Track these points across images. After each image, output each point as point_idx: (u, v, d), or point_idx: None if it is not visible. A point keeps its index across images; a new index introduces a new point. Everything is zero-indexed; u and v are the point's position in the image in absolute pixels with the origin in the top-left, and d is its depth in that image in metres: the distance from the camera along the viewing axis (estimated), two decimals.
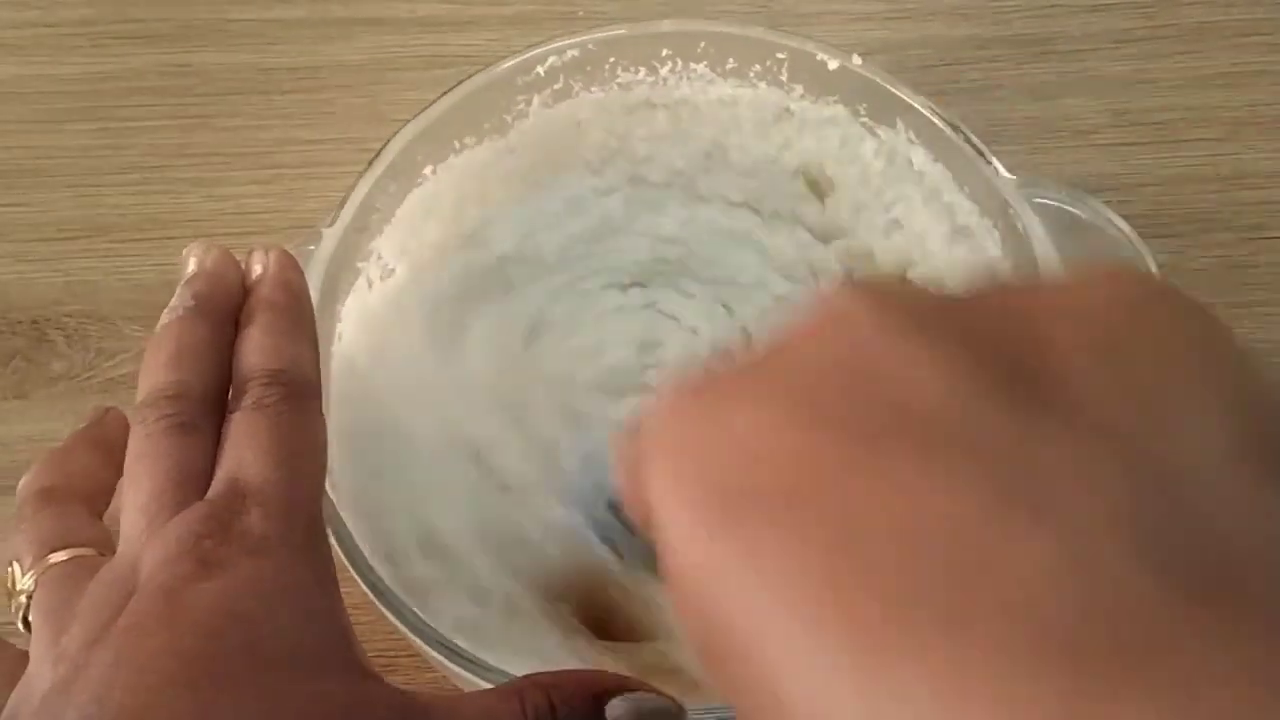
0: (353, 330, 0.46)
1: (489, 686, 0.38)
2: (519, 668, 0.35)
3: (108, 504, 0.32)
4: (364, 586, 0.40)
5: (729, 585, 0.19)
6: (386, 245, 0.47)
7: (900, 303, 0.20)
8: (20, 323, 0.54)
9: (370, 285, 0.47)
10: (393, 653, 0.47)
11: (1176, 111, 0.58)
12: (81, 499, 0.31)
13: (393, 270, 0.47)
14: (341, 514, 0.40)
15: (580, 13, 0.59)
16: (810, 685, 0.18)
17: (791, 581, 0.19)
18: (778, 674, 0.19)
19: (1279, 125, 0.57)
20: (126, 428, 0.31)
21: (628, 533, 0.45)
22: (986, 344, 0.19)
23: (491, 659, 0.38)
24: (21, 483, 0.32)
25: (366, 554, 0.40)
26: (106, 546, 0.30)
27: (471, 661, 0.38)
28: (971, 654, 0.17)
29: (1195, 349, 0.20)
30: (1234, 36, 0.59)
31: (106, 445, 0.33)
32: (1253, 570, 0.17)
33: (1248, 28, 0.60)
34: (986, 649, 0.17)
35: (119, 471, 0.30)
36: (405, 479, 0.45)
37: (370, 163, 0.46)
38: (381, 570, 0.39)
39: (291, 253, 0.42)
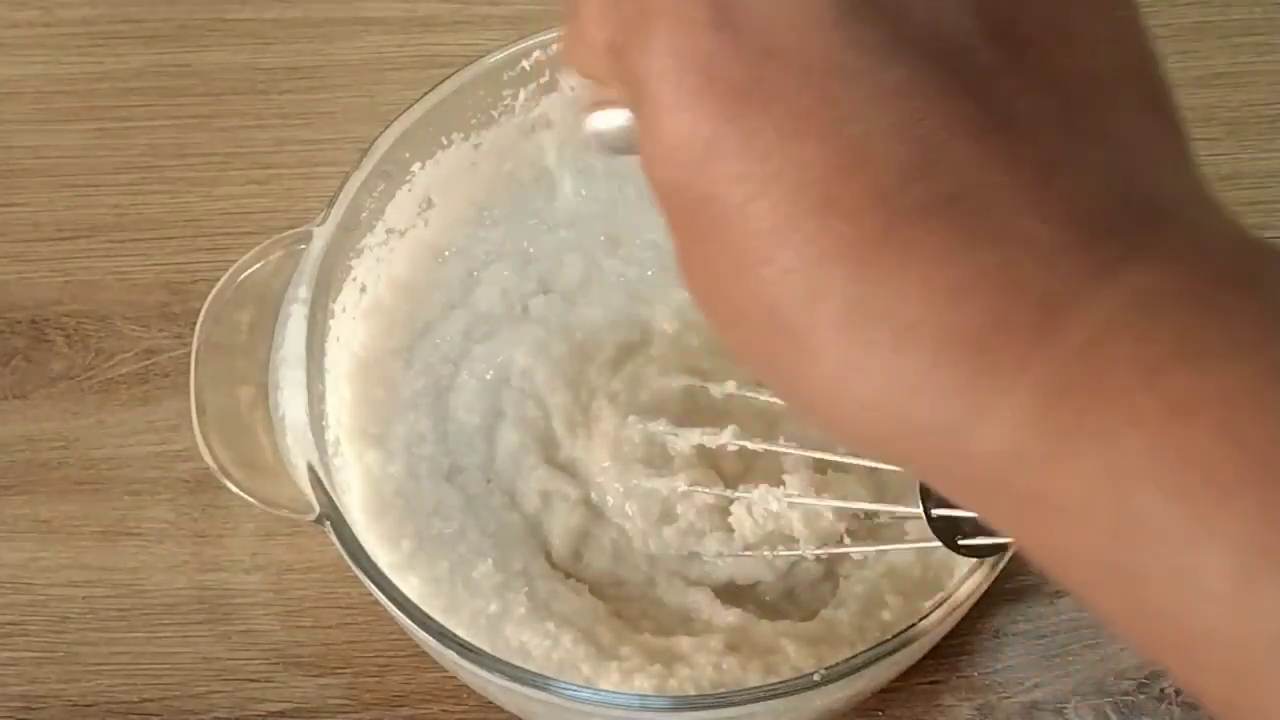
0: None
1: (504, 683, 0.38)
2: None
3: None
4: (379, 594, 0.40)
5: (723, 157, 0.21)
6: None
7: None
8: (20, 323, 0.54)
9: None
10: (391, 653, 0.47)
11: None
12: None
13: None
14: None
15: None
16: (800, 257, 0.21)
17: (790, 165, 0.21)
18: (767, 244, 0.21)
19: (1277, 125, 0.57)
20: None
21: None
22: None
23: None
24: None
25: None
26: None
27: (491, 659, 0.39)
28: (981, 232, 0.20)
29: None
30: (1232, 36, 0.59)
31: None
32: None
33: (1245, 28, 0.60)
34: (1011, 236, 0.21)
35: None
36: None
37: (359, 162, 0.46)
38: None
39: (283, 252, 0.43)
